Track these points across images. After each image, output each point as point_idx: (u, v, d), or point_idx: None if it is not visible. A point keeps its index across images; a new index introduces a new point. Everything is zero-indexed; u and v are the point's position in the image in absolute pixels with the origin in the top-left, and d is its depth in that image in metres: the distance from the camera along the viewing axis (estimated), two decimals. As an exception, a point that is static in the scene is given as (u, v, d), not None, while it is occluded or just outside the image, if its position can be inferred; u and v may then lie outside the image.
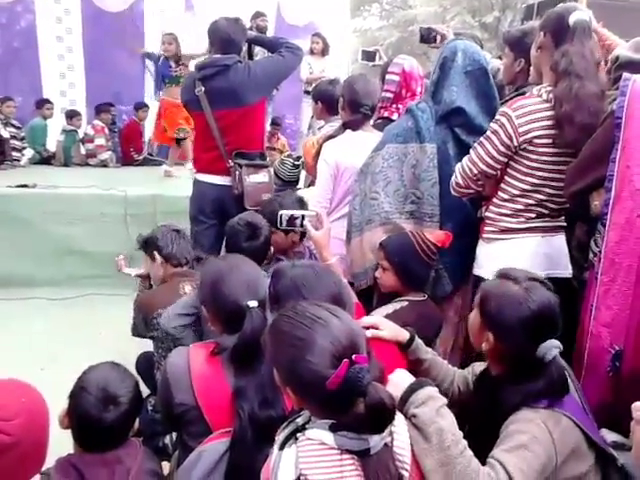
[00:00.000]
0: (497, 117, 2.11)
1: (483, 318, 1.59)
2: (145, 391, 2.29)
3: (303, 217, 2.26)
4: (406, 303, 2.18)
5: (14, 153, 6.89)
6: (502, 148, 2.08)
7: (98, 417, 1.56)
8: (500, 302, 1.54)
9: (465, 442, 1.30)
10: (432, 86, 2.52)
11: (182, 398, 1.57)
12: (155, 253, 2.56)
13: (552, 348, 1.49)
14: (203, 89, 3.24)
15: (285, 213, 2.29)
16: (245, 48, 3.62)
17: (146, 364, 2.41)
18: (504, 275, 1.61)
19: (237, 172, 3.28)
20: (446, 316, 2.44)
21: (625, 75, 1.82)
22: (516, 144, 2.05)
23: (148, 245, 2.61)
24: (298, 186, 3.73)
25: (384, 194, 2.46)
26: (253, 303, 1.59)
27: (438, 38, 2.95)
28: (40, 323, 3.99)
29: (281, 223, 2.30)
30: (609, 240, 1.77)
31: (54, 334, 3.82)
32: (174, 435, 2.10)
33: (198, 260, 2.82)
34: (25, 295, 4.38)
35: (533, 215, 2.12)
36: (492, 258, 2.15)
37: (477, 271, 2.22)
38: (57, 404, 1.64)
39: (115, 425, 1.58)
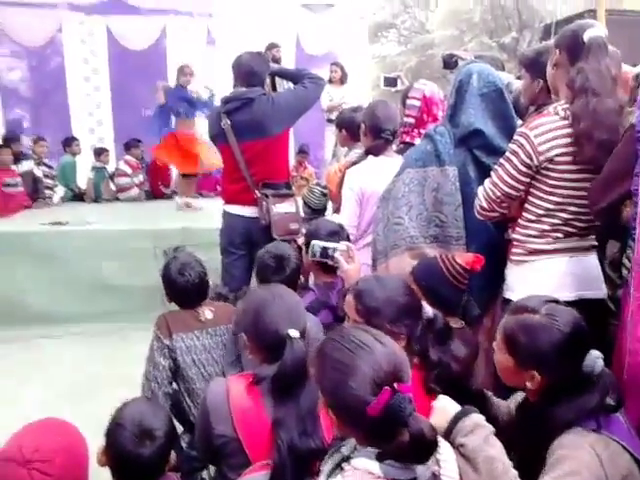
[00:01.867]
0: (515, 137, 2.10)
1: (517, 359, 1.54)
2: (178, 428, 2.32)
3: (334, 250, 2.27)
4: (443, 331, 2.16)
5: (47, 191, 7.10)
6: (523, 168, 2.07)
7: (135, 453, 1.57)
8: (530, 338, 1.50)
9: (515, 472, 1.27)
10: (449, 110, 2.53)
11: (221, 429, 1.58)
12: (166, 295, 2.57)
13: (596, 359, 1.46)
14: (229, 122, 3.30)
15: (317, 244, 2.31)
16: (268, 80, 3.69)
17: (176, 400, 2.43)
18: (519, 309, 1.58)
19: (264, 202, 3.32)
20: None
21: None
22: (536, 163, 2.04)
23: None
24: (326, 214, 3.75)
25: (408, 218, 2.45)
26: (294, 333, 1.60)
27: (460, 63, 2.96)
28: (78, 358, 4.06)
29: (313, 254, 2.32)
30: (639, 255, 1.74)
31: (92, 369, 3.87)
32: (212, 470, 2.10)
33: (220, 297, 2.84)
34: (60, 331, 4.47)
35: (561, 235, 2.09)
36: (522, 281, 2.13)
37: (507, 294, 2.19)
38: (95, 440, 1.66)
39: (152, 459, 1.59)
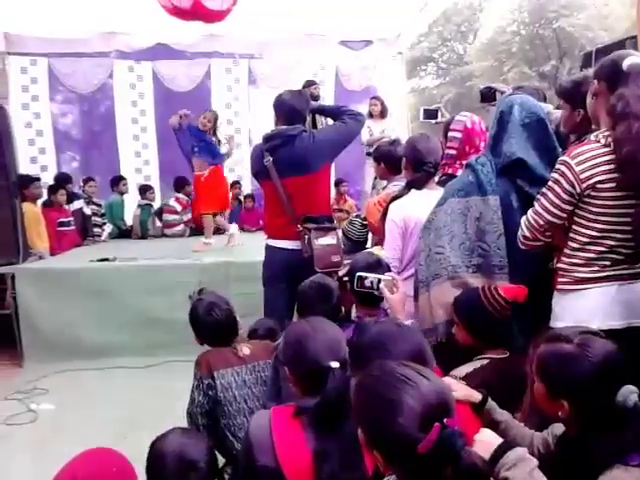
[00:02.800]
0: (557, 166, 2.09)
1: (549, 387, 1.53)
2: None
3: (379, 281, 2.29)
4: (487, 361, 2.14)
5: (95, 229, 7.33)
6: (565, 196, 2.05)
7: None
8: (561, 367, 1.49)
9: None
10: (491, 140, 2.54)
11: (264, 461, 1.57)
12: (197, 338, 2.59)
13: (630, 394, 1.42)
14: (271, 159, 3.38)
15: (362, 275, 2.33)
16: (309, 118, 3.77)
17: (218, 434, 2.43)
18: (553, 338, 1.56)
19: (306, 236, 3.36)
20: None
21: None
22: (579, 191, 2.03)
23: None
24: (367, 246, 3.76)
25: (450, 248, 2.46)
26: (335, 364, 1.61)
27: (498, 95, 2.98)
28: (124, 391, 4.13)
29: (357, 285, 2.34)
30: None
31: (137, 402, 3.93)
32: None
33: (270, 331, 2.86)
34: (109, 364, 4.57)
35: (608, 263, 2.05)
36: (569, 310, 2.09)
37: (554, 324, 2.14)
38: (141, 472, 1.67)
39: None
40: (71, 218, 6.83)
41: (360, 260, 2.62)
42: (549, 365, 1.53)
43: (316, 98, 6.52)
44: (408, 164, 3.01)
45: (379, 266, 2.54)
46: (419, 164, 2.93)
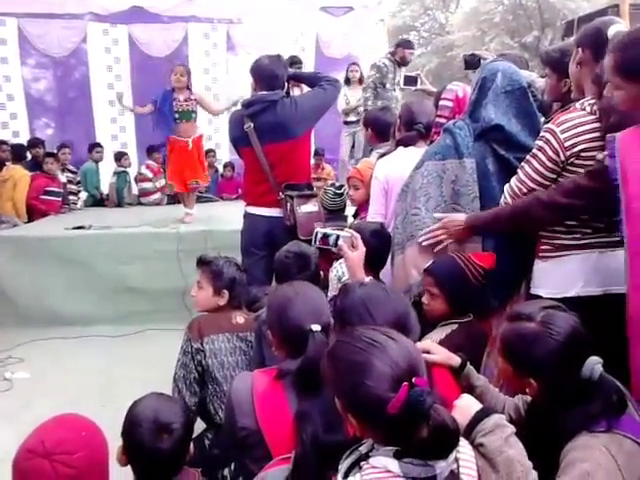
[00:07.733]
0: (542, 134, 2.09)
1: (515, 368, 1.53)
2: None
3: (338, 237, 2.26)
4: (456, 326, 2.16)
5: (70, 197, 7.18)
6: (549, 164, 2.05)
7: (155, 448, 1.58)
8: (525, 347, 1.48)
9: (535, 473, 1.25)
10: (470, 106, 2.53)
11: (244, 422, 1.58)
12: (225, 291, 2.55)
13: (595, 365, 1.44)
14: (252, 125, 3.32)
15: (320, 231, 2.30)
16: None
17: (202, 399, 2.43)
18: (516, 316, 1.56)
19: (289, 204, 3.34)
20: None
21: (608, 137, 1.82)
22: (563, 159, 2.02)
23: (219, 279, 2.55)
24: (345, 214, 3.74)
25: (425, 210, 2.46)
26: (316, 327, 1.61)
27: (482, 62, 2.95)
28: (99, 360, 4.10)
29: (315, 241, 2.31)
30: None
31: (113, 370, 3.92)
32: (233, 467, 2.11)
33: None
34: (84, 333, 4.53)
35: (589, 230, 2.06)
36: (549, 277, 2.11)
37: (535, 290, 2.16)
38: (118, 439, 1.66)
39: (172, 452, 1.61)
40: (61, 190, 6.68)
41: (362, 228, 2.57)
42: (514, 346, 1.52)
43: (406, 62, 6.49)
44: (401, 125, 3.03)
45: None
46: (411, 124, 2.96)
